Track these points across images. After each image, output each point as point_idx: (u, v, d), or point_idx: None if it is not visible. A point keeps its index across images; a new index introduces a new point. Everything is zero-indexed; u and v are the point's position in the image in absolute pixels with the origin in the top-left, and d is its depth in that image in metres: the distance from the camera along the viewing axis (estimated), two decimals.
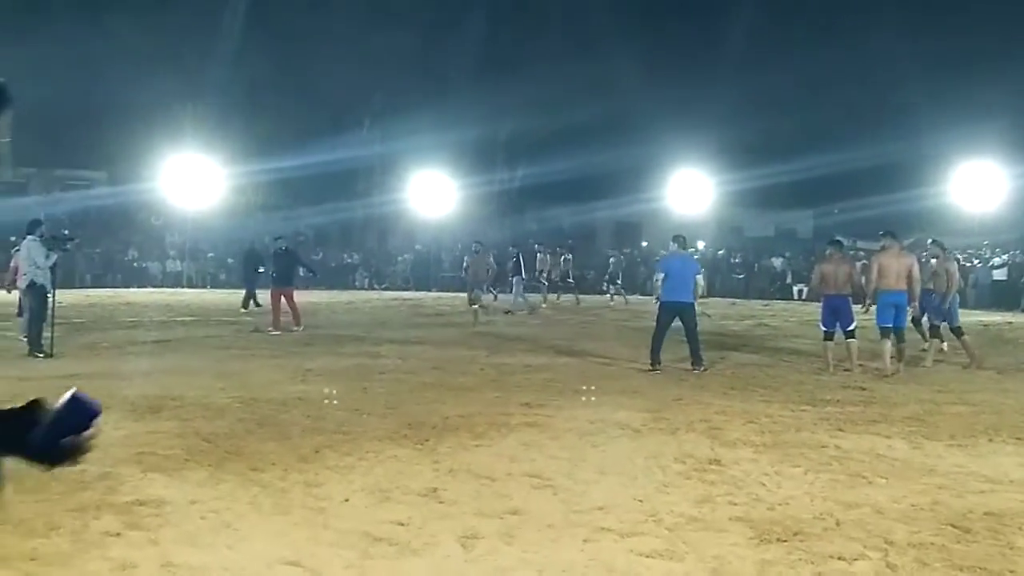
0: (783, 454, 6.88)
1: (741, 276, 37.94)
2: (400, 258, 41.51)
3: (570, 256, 29.86)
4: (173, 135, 38.59)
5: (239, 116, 38.59)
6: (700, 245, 39.28)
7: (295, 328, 16.70)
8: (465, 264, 21.58)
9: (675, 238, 12.78)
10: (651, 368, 11.80)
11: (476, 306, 18.79)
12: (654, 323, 12.20)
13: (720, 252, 39.61)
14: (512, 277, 24.71)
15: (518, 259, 24.82)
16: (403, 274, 40.06)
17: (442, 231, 42.40)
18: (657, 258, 25.03)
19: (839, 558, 4.63)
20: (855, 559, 4.62)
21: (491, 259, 20.53)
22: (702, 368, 11.80)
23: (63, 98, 34.41)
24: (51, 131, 33.76)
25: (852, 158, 34.43)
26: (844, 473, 6.34)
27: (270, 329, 16.53)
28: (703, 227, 41.54)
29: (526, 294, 24.49)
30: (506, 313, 22.34)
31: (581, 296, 28.35)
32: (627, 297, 28.17)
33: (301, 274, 19.20)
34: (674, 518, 5.23)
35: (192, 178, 37.94)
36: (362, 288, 37.97)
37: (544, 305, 25.37)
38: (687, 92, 37.68)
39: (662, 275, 12.08)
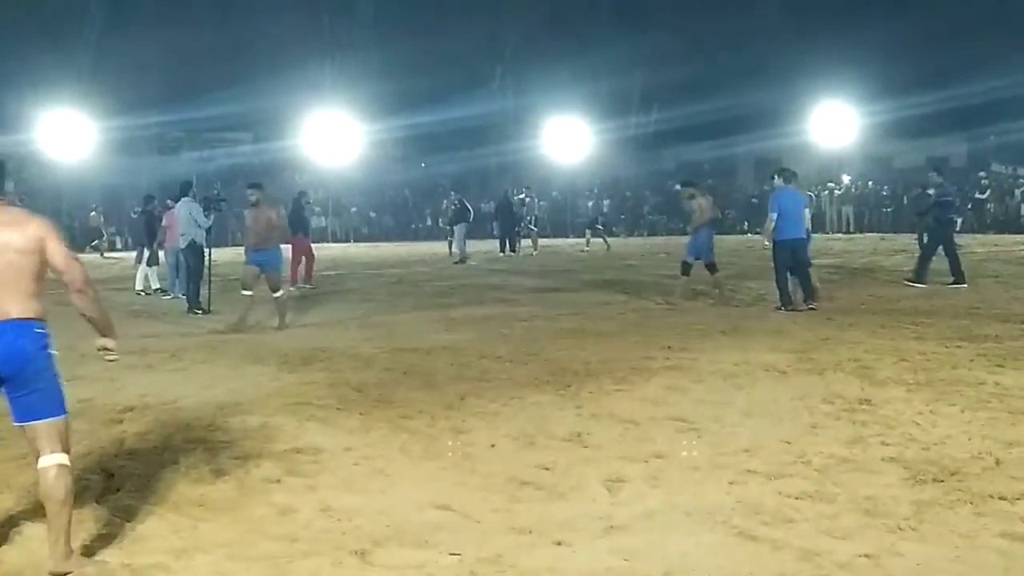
0: (938, 392, 6.64)
1: (890, 209, 36.47)
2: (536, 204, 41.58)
3: (535, 198, 29.37)
4: (314, 94, 39.60)
5: (377, 73, 39.23)
6: (845, 179, 37.83)
7: (305, 285, 16.03)
8: (247, 222, 11.71)
9: (781, 172, 12.11)
10: (782, 307, 11.54)
11: (250, 292, 11.32)
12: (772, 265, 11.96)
13: (870, 184, 37.99)
14: (454, 225, 23.81)
15: (461, 205, 23.95)
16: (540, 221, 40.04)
17: (578, 176, 42.25)
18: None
19: (1000, 498, 4.49)
20: (1017, 499, 4.47)
21: (277, 213, 11.98)
22: (814, 305, 11.46)
23: (210, 63, 35.80)
24: (200, 95, 35.15)
25: (1012, 83, 32.42)
26: (1004, 411, 6.09)
27: (290, 287, 15.42)
28: (848, 160, 40.01)
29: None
30: (457, 263, 21.69)
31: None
32: (609, 242, 27.76)
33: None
34: (823, 459, 5.15)
35: (333, 135, 38.96)
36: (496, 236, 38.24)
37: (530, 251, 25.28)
38: (833, 25, 36.11)
39: (775, 215, 11.65)
